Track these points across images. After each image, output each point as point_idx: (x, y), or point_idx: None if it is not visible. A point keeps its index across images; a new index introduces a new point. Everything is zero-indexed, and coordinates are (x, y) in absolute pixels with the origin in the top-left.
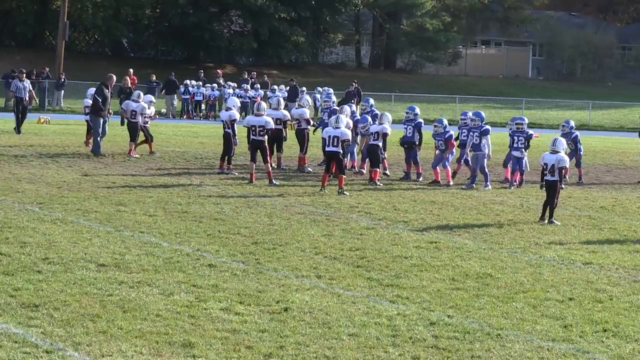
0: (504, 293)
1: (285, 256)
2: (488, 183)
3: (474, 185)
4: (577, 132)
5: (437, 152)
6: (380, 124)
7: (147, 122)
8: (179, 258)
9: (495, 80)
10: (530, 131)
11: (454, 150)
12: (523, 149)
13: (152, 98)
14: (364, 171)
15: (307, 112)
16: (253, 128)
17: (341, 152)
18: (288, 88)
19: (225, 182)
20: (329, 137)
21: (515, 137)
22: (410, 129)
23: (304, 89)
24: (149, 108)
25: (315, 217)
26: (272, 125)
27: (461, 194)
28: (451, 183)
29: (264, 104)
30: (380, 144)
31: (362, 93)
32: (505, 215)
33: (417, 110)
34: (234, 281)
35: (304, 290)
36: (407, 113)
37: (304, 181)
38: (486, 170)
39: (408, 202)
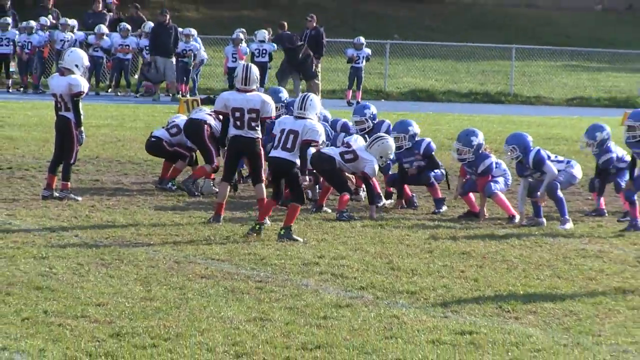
0: None
1: None
2: (566, 217)
3: (542, 219)
4: None
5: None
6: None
7: None
8: None
9: (589, 16)
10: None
11: (508, 177)
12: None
13: None
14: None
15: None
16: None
17: (297, 163)
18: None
19: (59, 216)
20: (283, 131)
21: None
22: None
23: (192, 32)
24: None
25: (235, 285)
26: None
27: (521, 239)
28: (516, 219)
29: None
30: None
31: (325, 40)
32: (606, 280)
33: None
34: None
35: None
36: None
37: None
38: (559, 194)
39: (418, 253)
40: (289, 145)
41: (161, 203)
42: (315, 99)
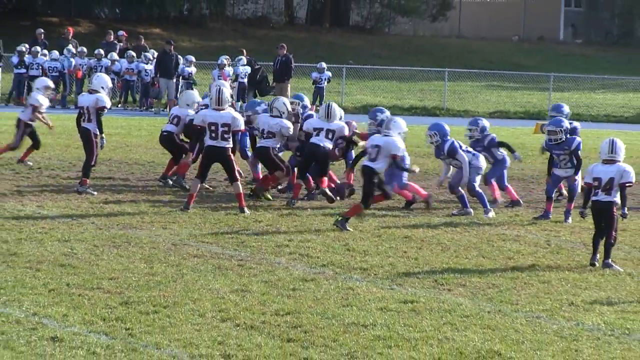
0: None
1: (174, 324)
2: (488, 207)
3: (470, 209)
4: (578, 124)
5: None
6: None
7: (33, 120)
8: (5, 327)
9: (507, 45)
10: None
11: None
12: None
13: (48, 81)
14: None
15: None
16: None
17: (378, 171)
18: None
19: (79, 207)
20: (373, 146)
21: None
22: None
23: (192, 59)
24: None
25: (221, 262)
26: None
27: (453, 226)
28: (431, 201)
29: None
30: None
31: (293, 64)
32: (522, 259)
33: (306, 102)
34: None
35: None
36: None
37: (216, 203)
38: (478, 189)
39: (369, 237)
40: (373, 157)
41: (161, 197)
42: (399, 121)
